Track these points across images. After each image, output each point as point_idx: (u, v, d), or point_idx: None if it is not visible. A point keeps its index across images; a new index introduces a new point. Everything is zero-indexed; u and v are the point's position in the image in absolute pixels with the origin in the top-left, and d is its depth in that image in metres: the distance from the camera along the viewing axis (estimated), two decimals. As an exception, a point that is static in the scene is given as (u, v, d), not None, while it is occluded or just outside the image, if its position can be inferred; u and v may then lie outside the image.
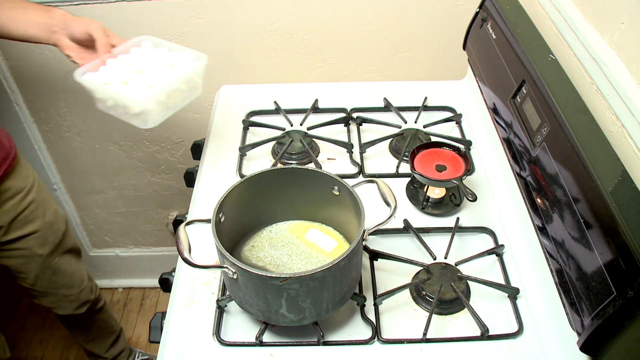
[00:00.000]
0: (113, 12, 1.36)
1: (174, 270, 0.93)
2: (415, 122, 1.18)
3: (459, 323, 0.84)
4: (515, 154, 0.93)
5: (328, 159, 1.13)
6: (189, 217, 0.98)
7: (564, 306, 0.75)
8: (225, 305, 0.86)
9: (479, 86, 1.14)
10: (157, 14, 1.38)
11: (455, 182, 0.94)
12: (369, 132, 1.19)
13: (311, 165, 1.08)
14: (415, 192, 1.03)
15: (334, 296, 0.77)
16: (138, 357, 1.78)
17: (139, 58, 0.96)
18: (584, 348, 0.68)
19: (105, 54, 0.94)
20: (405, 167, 1.07)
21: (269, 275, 0.71)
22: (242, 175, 1.07)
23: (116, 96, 0.89)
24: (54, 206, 1.30)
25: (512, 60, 0.97)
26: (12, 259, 1.27)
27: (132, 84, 0.91)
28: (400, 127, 1.17)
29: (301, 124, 1.17)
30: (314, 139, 1.14)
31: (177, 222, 1.08)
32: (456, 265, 0.89)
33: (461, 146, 1.08)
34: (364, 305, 0.85)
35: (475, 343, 0.80)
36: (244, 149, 1.11)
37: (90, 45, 0.96)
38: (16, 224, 1.21)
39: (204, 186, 1.06)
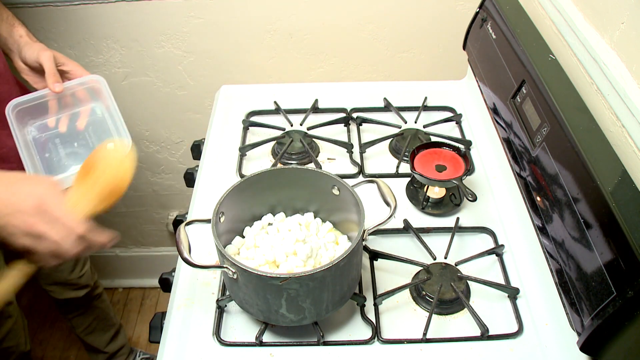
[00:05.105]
0: (113, 12, 1.36)
1: (174, 270, 0.93)
2: (415, 122, 1.18)
3: (459, 323, 0.84)
4: (515, 154, 0.93)
5: (328, 159, 1.13)
6: (189, 217, 0.98)
7: (564, 306, 0.75)
8: (225, 305, 0.86)
9: (479, 86, 1.14)
10: (157, 14, 1.38)
11: (455, 182, 0.94)
12: (369, 132, 1.19)
13: (311, 166, 1.08)
14: (415, 192, 1.03)
15: (333, 296, 0.77)
16: (139, 357, 1.78)
17: None
18: (584, 348, 0.68)
19: (55, 83, 0.92)
20: (405, 167, 1.07)
21: (268, 275, 0.71)
22: (242, 175, 1.07)
23: None
24: None
25: (512, 60, 0.97)
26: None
27: None
28: (400, 127, 1.17)
29: (301, 124, 1.17)
30: (314, 139, 1.14)
31: (177, 222, 1.08)
32: (456, 265, 0.89)
33: (461, 146, 1.08)
34: (364, 305, 0.85)
35: (475, 343, 0.80)
36: (243, 149, 1.11)
37: (43, 73, 0.94)
38: None
39: (204, 186, 1.06)
